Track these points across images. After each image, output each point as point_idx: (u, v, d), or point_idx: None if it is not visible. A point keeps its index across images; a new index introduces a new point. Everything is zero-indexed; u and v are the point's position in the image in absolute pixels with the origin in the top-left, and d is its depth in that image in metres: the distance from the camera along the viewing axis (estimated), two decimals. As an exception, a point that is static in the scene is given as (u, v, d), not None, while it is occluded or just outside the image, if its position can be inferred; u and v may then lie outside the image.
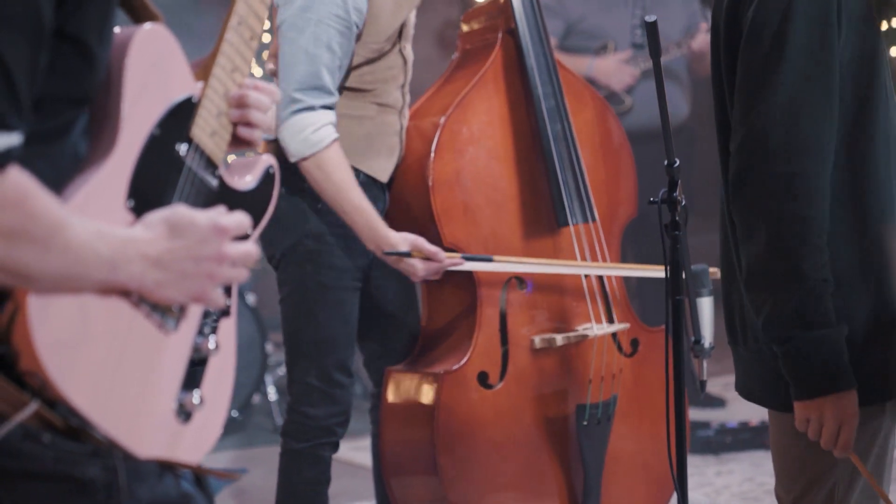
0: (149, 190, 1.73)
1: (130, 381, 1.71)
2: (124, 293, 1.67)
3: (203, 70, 1.80)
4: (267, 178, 1.94)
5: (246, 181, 1.91)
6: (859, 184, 2.44)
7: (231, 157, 1.94)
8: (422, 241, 3.51)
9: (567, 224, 3.76)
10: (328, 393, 3.58)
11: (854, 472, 2.46)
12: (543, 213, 3.78)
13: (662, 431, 3.93)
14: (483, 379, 3.69)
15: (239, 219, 1.74)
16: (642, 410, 3.91)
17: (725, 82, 2.51)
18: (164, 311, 1.75)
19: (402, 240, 3.49)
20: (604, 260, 3.83)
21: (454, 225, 3.65)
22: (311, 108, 3.43)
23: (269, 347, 6.20)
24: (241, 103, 1.85)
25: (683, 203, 3.09)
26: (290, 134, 3.44)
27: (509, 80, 3.78)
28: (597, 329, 3.77)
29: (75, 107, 1.68)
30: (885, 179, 2.47)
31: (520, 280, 3.74)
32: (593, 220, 3.81)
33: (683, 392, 3.01)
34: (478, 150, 3.72)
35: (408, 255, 3.48)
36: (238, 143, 1.89)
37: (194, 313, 1.82)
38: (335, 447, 3.65)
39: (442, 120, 3.67)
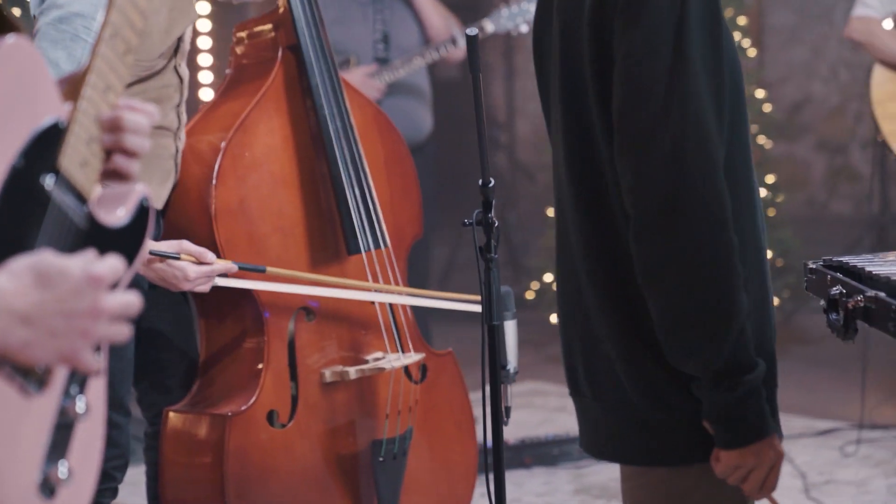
0: (10, 232, 1.49)
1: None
2: None
3: (72, 89, 1.54)
4: (141, 211, 1.69)
5: (118, 216, 1.65)
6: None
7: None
8: (187, 244, 3.22)
9: (358, 251, 3.54)
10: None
11: None
12: (331, 240, 3.56)
13: (453, 456, 3.81)
14: (272, 418, 3.45)
15: (113, 264, 1.50)
16: (432, 436, 3.74)
17: (594, 104, 2.23)
18: (26, 373, 1.51)
19: (168, 246, 3.21)
20: (396, 285, 3.64)
21: (239, 256, 3.40)
22: None
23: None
24: (114, 127, 1.60)
25: (497, 224, 2.94)
26: None
27: (291, 99, 3.54)
28: (392, 359, 3.59)
29: None
30: (749, 205, 2.29)
31: (307, 310, 3.52)
32: (385, 245, 3.61)
33: (501, 420, 2.88)
34: (261, 175, 3.48)
35: (176, 257, 3.19)
36: (113, 177, 1.64)
37: (60, 372, 1.59)
38: (114, 493, 3.37)
39: (223, 144, 3.41)
